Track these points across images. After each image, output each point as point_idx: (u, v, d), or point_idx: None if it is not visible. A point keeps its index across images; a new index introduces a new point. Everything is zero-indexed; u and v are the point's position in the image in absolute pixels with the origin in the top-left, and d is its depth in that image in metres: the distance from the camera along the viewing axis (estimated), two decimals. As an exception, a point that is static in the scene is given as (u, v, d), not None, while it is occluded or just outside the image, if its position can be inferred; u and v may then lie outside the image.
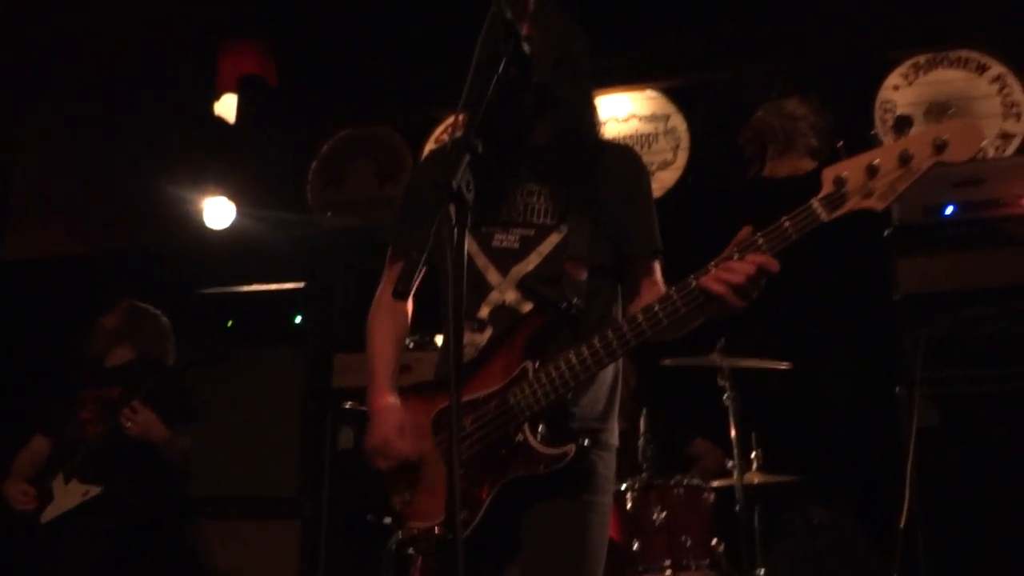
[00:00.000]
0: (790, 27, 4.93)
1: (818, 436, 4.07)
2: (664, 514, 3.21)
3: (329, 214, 5.68)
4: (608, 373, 1.88)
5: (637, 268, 1.92)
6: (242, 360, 4.23)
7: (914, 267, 3.53)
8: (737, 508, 3.36)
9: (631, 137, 5.23)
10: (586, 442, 1.72)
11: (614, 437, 1.92)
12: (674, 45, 5.13)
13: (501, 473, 1.74)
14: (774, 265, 1.63)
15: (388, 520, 3.31)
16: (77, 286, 5.43)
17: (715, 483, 3.45)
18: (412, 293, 1.42)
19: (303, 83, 5.92)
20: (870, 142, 1.48)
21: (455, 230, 1.41)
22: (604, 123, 5.25)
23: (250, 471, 4.43)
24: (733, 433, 3.45)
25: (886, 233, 3.63)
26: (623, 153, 2.03)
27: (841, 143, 1.65)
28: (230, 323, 4.30)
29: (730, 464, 3.43)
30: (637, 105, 5.29)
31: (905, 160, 1.50)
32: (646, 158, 5.16)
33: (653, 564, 3.18)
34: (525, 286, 1.82)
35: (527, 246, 1.83)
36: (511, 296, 1.82)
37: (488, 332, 1.82)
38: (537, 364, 1.74)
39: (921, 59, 4.78)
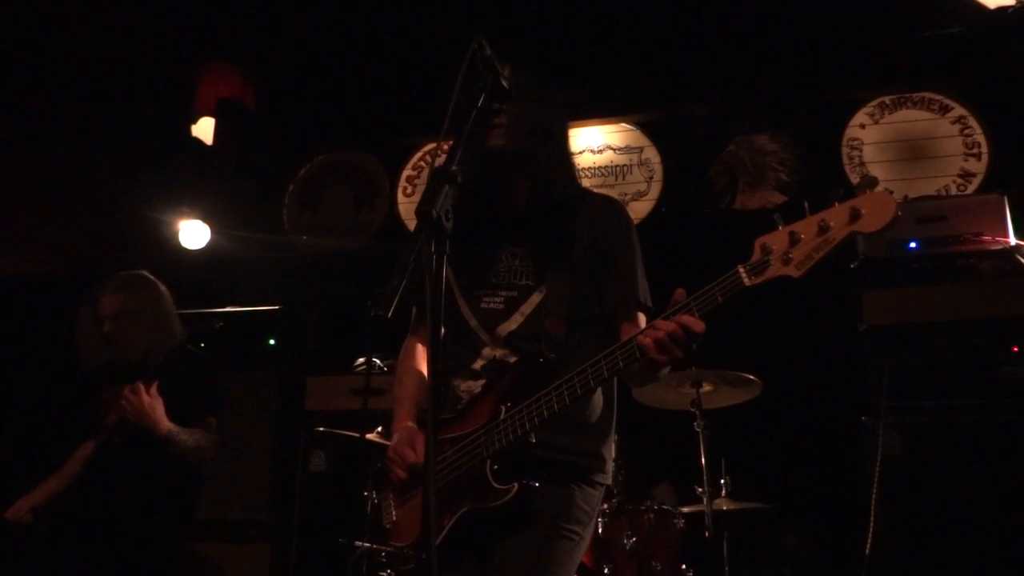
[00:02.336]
0: (762, 65, 5.07)
1: (786, 464, 4.14)
2: (634, 539, 3.24)
3: (305, 238, 5.69)
4: (595, 411, 2.00)
5: (619, 321, 2.01)
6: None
7: (879, 299, 3.62)
8: (706, 534, 3.40)
9: (605, 168, 5.33)
10: (536, 483, 1.82)
11: (600, 474, 2.01)
12: (649, 80, 5.25)
13: (460, 504, 1.88)
14: (699, 326, 1.70)
15: (360, 543, 3.31)
16: (50, 306, 5.38)
17: (685, 509, 3.49)
18: (391, 314, 1.47)
19: (281, 107, 5.96)
20: (834, 188, 1.52)
21: (434, 257, 1.46)
22: (580, 153, 5.41)
23: (221, 493, 4.40)
24: (703, 460, 3.50)
25: (852, 266, 3.72)
26: (604, 206, 2.09)
27: (806, 204, 1.67)
28: (202, 344, 4.28)
29: (700, 490, 3.47)
30: (612, 137, 5.39)
31: (824, 230, 1.58)
32: (620, 189, 5.28)
33: (623, 589, 3.20)
34: (511, 343, 1.97)
35: (511, 306, 1.98)
36: (500, 352, 1.98)
37: (482, 382, 1.99)
38: (508, 406, 1.88)
39: (887, 99, 4.94)
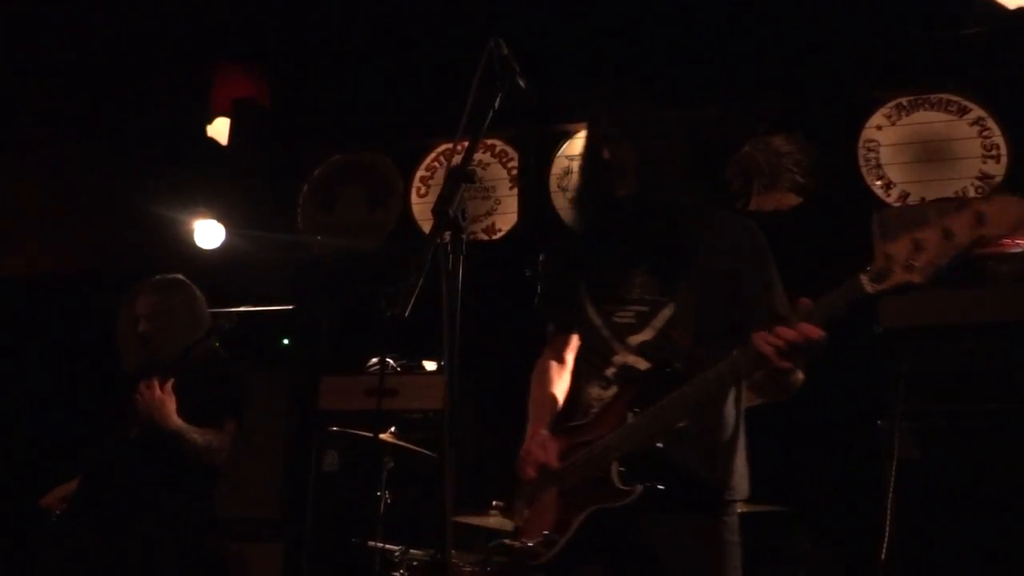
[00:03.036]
0: (777, 66, 5.05)
1: (801, 467, 4.11)
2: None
3: (319, 238, 5.71)
4: (725, 432, 2.07)
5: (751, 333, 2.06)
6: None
7: (896, 302, 3.59)
8: (720, 537, 3.37)
9: (620, 168, 5.31)
10: (661, 487, 1.88)
11: (731, 484, 2.06)
12: (662, 80, 5.22)
13: (586, 504, 1.97)
14: (815, 333, 1.73)
15: (374, 543, 3.31)
16: (67, 305, 5.43)
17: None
18: (407, 313, 1.47)
19: (296, 107, 5.98)
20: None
21: (451, 257, 1.46)
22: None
23: (234, 492, 4.40)
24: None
25: (868, 268, 3.69)
26: (735, 224, 2.17)
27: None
28: (217, 344, 4.31)
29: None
30: (626, 137, 5.37)
31: (948, 236, 1.57)
32: (634, 189, 5.27)
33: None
34: (643, 351, 2.06)
35: (643, 320, 2.07)
36: (631, 359, 2.07)
37: (613, 389, 2.07)
38: (636, 412, 1.97)
39: (904, 100, 4.90)
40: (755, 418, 3.81)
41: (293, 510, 4.53)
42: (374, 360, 4.38)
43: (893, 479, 3.29)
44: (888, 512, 3.25)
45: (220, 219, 5.53)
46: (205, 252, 5.51)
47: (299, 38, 5.75)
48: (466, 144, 1.63)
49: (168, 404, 3.11)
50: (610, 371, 2.09)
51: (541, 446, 2.09)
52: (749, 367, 1.80)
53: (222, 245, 5.52)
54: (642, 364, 2.04)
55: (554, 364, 2.31)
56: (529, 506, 2.12)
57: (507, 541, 2.14)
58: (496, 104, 1.67)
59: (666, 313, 2.05)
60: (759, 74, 5.08)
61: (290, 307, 4.97)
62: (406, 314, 1.45)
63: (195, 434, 3.16)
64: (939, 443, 3.37)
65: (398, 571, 3.37)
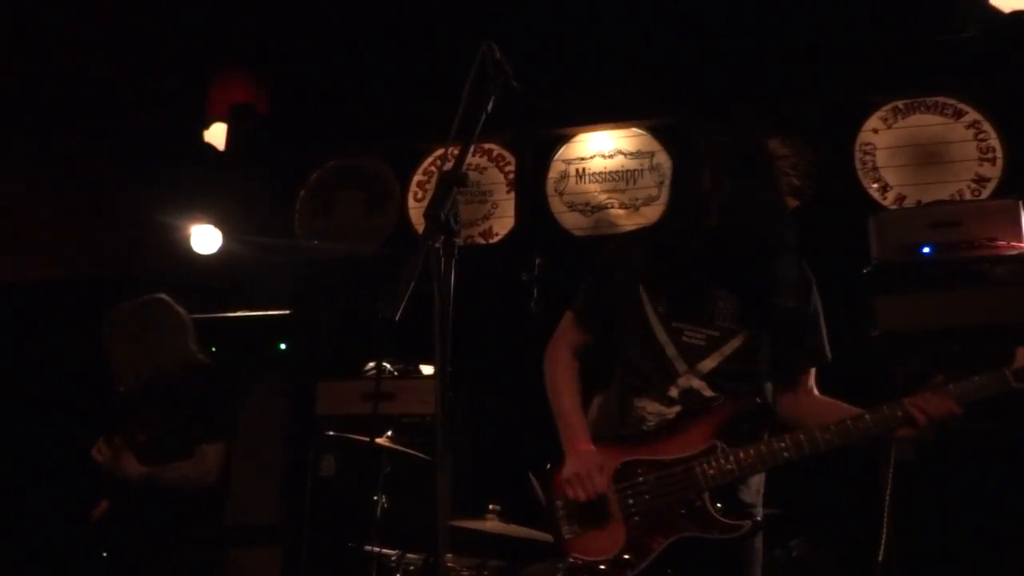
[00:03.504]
0: (773, 69, 5.05)
1: (798, 469, 4.10)
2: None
3: (316, 243, 5.71)
4: None
5: (800, 374, 2.22)
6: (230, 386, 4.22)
7: (893, 305, 3.60)
8: (717, 541, 3.37)
9: (616, 173, 5.32)
10: (759, 519, 2.01)
11: (760, 513, 2.19)
12: (660, 84, 5.24)
13: (676, 529, 1.97)
14: (957, 410, 1.94)
15: (371, 547, 3.31)
16: (63, 311, 5.42)
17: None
18: (399, 316, 1.47)
19: (293, 112, 5.99)
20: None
21: (442, 260, 1.47)
22: (591, 158, 5.40)
23: (232, 497, 4.40)
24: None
25: (865, 271, 3.70)
26: (800, 271, 2.23)
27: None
28: (214, 349, 4.30)
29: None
30: (623, 142, 5.38)
31: None
32: (631, 193, 5.28)
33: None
34: (710, 378, 2.08)
35: (712, 345, 2.09)
36: (697, 383, 2.08)
37: (676, 408, 2.08)
38: (725, 445, 1.99)
39: (900, 103, 4.91)
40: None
41: (291, 515, 4.52)
42: (371, 364, 4.38)
43: (890, 482, 3.28)
44: (886, 515, 3.25)
45: (217, 224, 5.53)
46: (202, 257, 5.51)
47: (296, 43, 5.77)
48: (459, 148, 1.63)
49: (123, 460, 3.06)
50: (674, 391, 2.09)
51: (599, 470, 2.03)
52: (883, 430, 1.95)
53: (219, 250, 5.52)
54: (707, 391, 2.07)
55: (575, 364, 2.28)
56: (583, 524, 2.06)
57: (572, 559, 2.06)
58: (489, 107, 1.67)
59: (736, 343, 2.09)
60: (755, 78, 5.09)
61: (287, 312, 4.96)
62: (397, 317, 1.45)
63: (166, 473, 3.12)
64: (936, 446, 3.36)
65: (395, 575, 3.36)
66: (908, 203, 4.72)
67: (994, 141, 4.70)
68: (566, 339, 2.28)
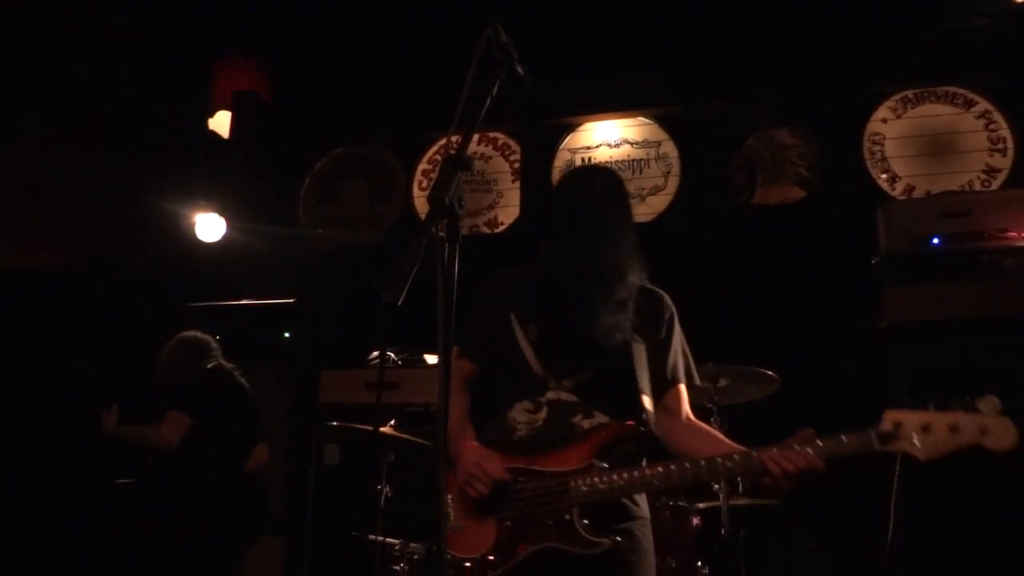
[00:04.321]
0: (782, 59, 5.01)
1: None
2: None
3: (320, 231, 5.69)
4: None
5: (672, 393, 2.28)
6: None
7: (900, 296, 3.56)
8: (723, 531, 3.36)
9: (623, 162, 5.28)
10: (619, 539, 2.04)
11: (646, 510, 2.24)
12: (667, 73, 5.20)
13: (541, 539, 2.04)
14: (819, 466, 1.92)
15: (375, 537, 3.30)
16: (67, 297, 5.42)
17: (701, 505, 3.45)
18: (401, 301, 1.46)
19: (297, 100, 5.96)
20: (947, 404, 1.91)
21: (446, 245, 1.44)
22: (597, 147, 5.37)
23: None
24: (719, 457, 3.45)
25: (873, 262, 3.66)
26: (657, 297, 2.34)
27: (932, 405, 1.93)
28: (218, 337, 4.29)
29: (716, 487, 3.43)
30: (629, 131, 5.35)
31: (954, 431, 1.85)
32: (637, 183, 5.24)
33: (637, 586, 3.17)
34: (576, 390, 2.18)
35: (578, 366, 2.19)
36: (564, 395, 2.19)
37: (543, 414, 2.18)
38: (604, 465, 2.06)
39: (910, 93, 4.86)
40: (757, 414, 3.81)
41: (294, 504, 4.52)
42: (375, 353, 4.36)
43: (896, 473, 3.26)
44: (891, 506, 3.23)
45: (221, 212, 5.51)
46: (206, 245, 5.49)
47: (300, 31, 5.73)
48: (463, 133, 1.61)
49: (105, 420, 4.03)
50: (541, 399, 2.19)
51: (490, 461, 2.11)
52: (745, 472, 1.98)
53: (223, 238, 5.51)
54: (573, 398, 2.17)
55: (465, 394, 2.36)
56: (465, 518, 2.13)
57: (449, 553, 2.12)
58: (494, 91, 1.64)
59: (599, 366, 2.19)
60: (764, 67, 5.05)
61: (291, 301, 4.95)
62: (399, 302, 1.43)
63: (128, 432, 4.05)
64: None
65: (399, 564, 3.35)
66: (917, 194, 4.68)
67: (1005, 131, 4.65)
68: (456, 376, 2.35)
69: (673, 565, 3.22)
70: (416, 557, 3.33)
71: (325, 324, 5.04)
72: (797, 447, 1.92)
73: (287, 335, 4.90)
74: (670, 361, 2.28)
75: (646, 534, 2.18)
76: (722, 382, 3.58)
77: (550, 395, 2.19)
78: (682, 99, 5.28)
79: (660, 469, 2.02)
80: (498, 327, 2.25)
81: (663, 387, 2.26)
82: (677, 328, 2.32)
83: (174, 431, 3.93)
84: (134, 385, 4.38)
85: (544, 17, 4.92)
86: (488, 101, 1.62)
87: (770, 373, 3.57)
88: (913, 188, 4.73)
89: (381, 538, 3.38)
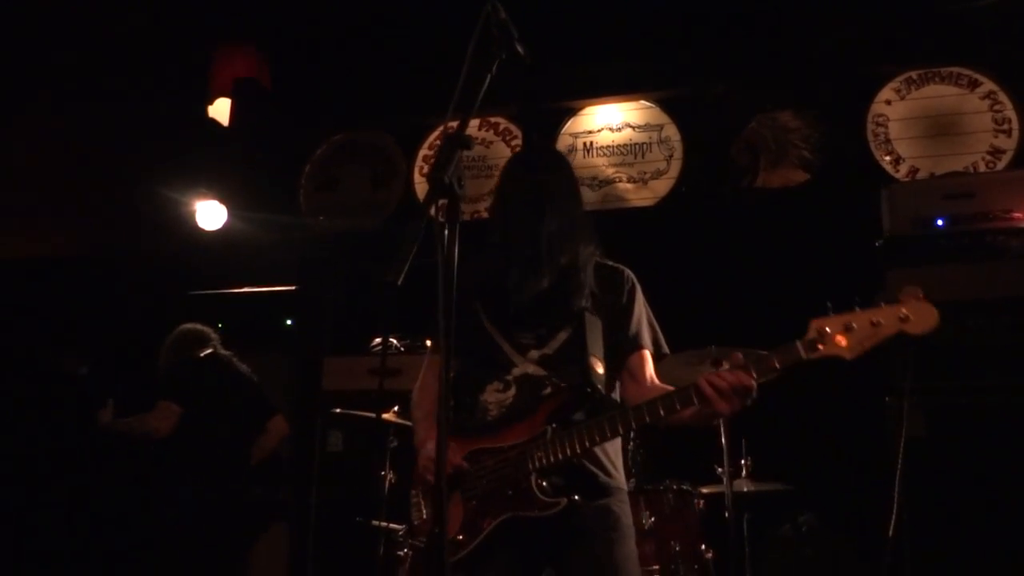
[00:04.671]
0: (785, 40, 4.97)
1: (808, 445, 4.08)
2: (653, 519, 3.21)
3: (321, 218, 5.67)
4: (618, 441, 2.27)
5: (635, 359, 2.32)
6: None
7: (904, 278, 3.52)
8: (726, 515, 3.36)
9: (624, 146, 5.25)
10: (576, 498, 2.08)
11: (621, 481, 2.29)
12: (669, 56, 5.16)
13: (503, 510, 2.09)
14: (750, 383, 1.97)
15: (379, 522, 3.30)
16: (68, 286, 5.41)
17: (705, 489, 3.45)
18: (400, 282, 1.45)
19: (297, 87, 5.92)
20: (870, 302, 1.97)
21: (446, 225, 1.43)
22: (599, 131, 5.34)
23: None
24: (723, 440, 3.45)
25: (878, 244, 3.64)
26: (617, 271, 2.41)
27: (830, 304, 1.99)
28: (220, 325, 4.29)
29: (720, 471, 3.42)
30: (631, 115, 5.31)
31: (875, 325, 1.92)
32: (639, 167, 5.21)
33: (642, 569, 3.16)
34: (541, 362, 2.24)
35: (541, 341, 2.26)
36: (532, 368, 2.24)
37: (512, 391, 2.23)
38: (555, 427, 2.11)
39: (914, 74, 4.82)
40: (763, 397, 3.79)
41: (298, 490, 4.52)
42: (377, 340, 4.35)
43: (901, 457, 3.25)
44: (896, 490, 3.22)
45: (222, 200, 5.50)
46: (207, 233, 5.48)
47: (299, 17, 5.69)
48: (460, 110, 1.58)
49: (101, 415, 4.10)
50: (509, 377, 2.24)
51: (449, 450, 2.11)
52: (683, 402, 2.02)
53: (224, 226, 5.49)
54: (540, 371, 2.22)
55: (436, 383, 2.37)
56: (426, 509, 2.21)
57: (416, 542, 2.22)
58: (493, 70, 1.62)
59: (562, 336, 2.25)
60: (766, 49, 5.00)
61: (292, 288, 4.94)
62: (399, 281, 1.42)
63: (118, 425, 4.09)
64: (948, 421, 3.33)
65: (402, 550, 3.36)
66: (921, 176, 4.65)
67: (1010, 112, 4.61)
68: (430, 372, 2.41)
69: (677, 549, 3.21)
70: (419, 542, 3.33)
71: (327, 311, 5.03)
72: (728, 370, 1.99)
73: (289, 323, 4.90)
74: (632, 326, 2.32)
75: (624, 510, 2.22)
76: (725, 365, 3.56)
77: (516, 371, 2.23)
78: (684, 82, 5.24)
79: (611, 418, 2.07)
80: (464, 316, 2.25)
81: (625, 351, 2.30)
82: (640, 298, 2.37)
83: (162, 420, 3.97)
84: (137, 375, 4.38)
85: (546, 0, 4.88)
86: (487, 80, 1.60)
87: (774, 356, 3.54)
88: (917, 170, 4.70)
89: (384, 524, 3.38)
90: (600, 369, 2.23)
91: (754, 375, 1.96)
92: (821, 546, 3.76)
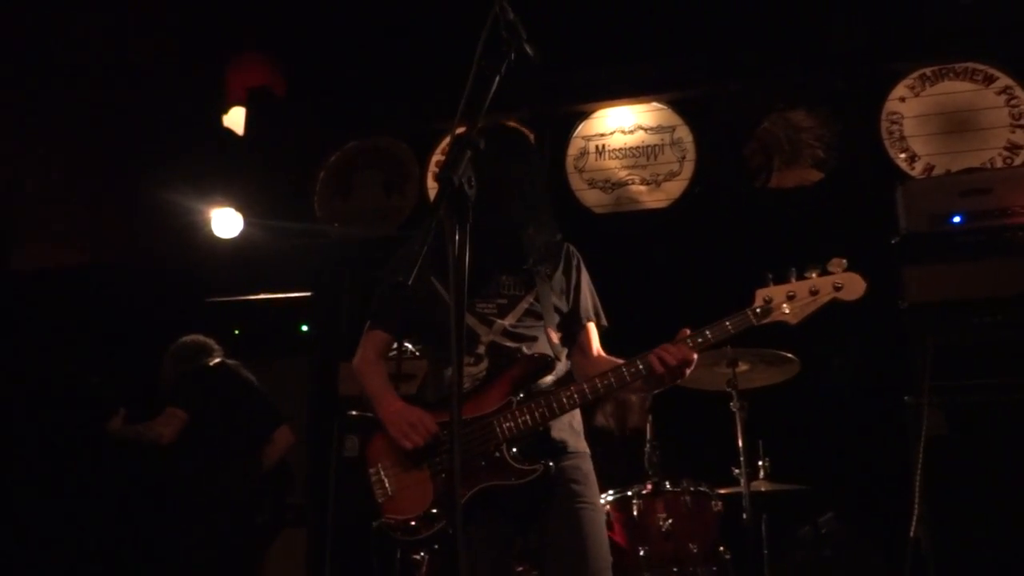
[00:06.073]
0: (797, 39, 4.95)
1: (826, 444, 4.05)
2: (670, 521, 3.19)
3: (336, 224, 5.70)
4: (581, 410, 2.37)
5: (584, 332, 2.47)
6: (248, 368, 4.25)
7: (922, 276, 3.51)
8: (744, 516, 3.34)
9: (636, 149, 5.25)
10: (551, 464, 2.17)
11: (586, 447, 2.40)
12: (680, 57, 5.15)
13: (476, 481, 2.13)
14: (692, 357, 2.19)
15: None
16: (87, 295, 5.46)
17: (722, 491, 3.43)
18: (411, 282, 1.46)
19: (311, 95, 5.96)
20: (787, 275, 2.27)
21: (457, 225, 1.43)
22: (611, 133, 5.33)
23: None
24: (740, 441, 3.43)
25: (894, 242, 3.62)
26: (562, 245, 2.52)
27: (771, 274, 2.24)
28: (237, 332, 4.32)
29: (737, 472, 3.40)
30: (643, 117, 5.30)
31: (813, 293, 2.19)
32: (652, 169, 5.20)
33: (659, 570, 3.16)
34: (507, 333, 2.32)
35: (503, 311, 2.35)
36: (498, 338, 2.31)
37: (484, 364, 2.29)
38: (520, 398, 2.20)
39: (928, 71, 4.78)
40: (781, 397, 3.78)
41: (315, 495, 4.54)
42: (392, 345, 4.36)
43: (921, 456, 3.22)
44: (916, 489, 3.19)
45: (237, 208, 5.53)
46: (223, 241, 5.52)
47: (312, 26, 5.73)
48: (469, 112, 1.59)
49: (112, 423, 4.09)
50: (480, 348, 2.29)
51: (420, 415, 2.21)
52: (633, 376, 2.18)
53: (240, 234, 5.52)
54: (507, 342, 2.30)
55: (381, 363, 2.49)
56: (395, 480, 2.22)
57: (386, 519, 2.22)
58: (503, 71, 1.62)
59: (524, 304, 2.35)
60: (778, 48, 4.98)
61: (308, 294, 4.96)
62: (410, 282, 1.42)
63: (126, 430, 4.08)
64: (967, 419, 3.30)
65: (419, 553, 3.36)
66: (937, 173, 4.61)
67: (1027, 107, 4.57)
68: (372, 348, 2.50)
69: (695, 550, 3.20)
70: (436, 546, 3.33)
71: (343, 316, 5.05)
72: (673, 344, 2.17)
73: (305, 328, 4.92)
74: (582, 301, 2.43)
75: (590, 468, 2.32)
76: (742, 366, 3.55)
77: (483, 343, 2.28)
78: (696, 83, 5.22)
79: (572, 390, 2.19)
80: (419, 293, 2.29)
81: (577, 326, 2.43)
82: (584, 271, 2.49)
83: (168, 425, 3.98)
84: (154, 383, 4.41)
85: (556, 2, 4.89)
86: (496, 81, 1.61)
87: (790, 356, 3.53)
88: (933, 167, 4.66)
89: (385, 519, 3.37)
90: (555, 339, 2.34)
91: (693, 347, 2.17)
92: (840, 546, 3.73)
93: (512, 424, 2.16)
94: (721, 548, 3.25)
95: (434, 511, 2.15)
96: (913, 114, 4.77)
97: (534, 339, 2.32)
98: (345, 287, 5.17)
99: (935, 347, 3.38)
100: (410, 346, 4.28)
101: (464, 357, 2.18)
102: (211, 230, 5.51)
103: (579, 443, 2.34)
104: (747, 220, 4.82)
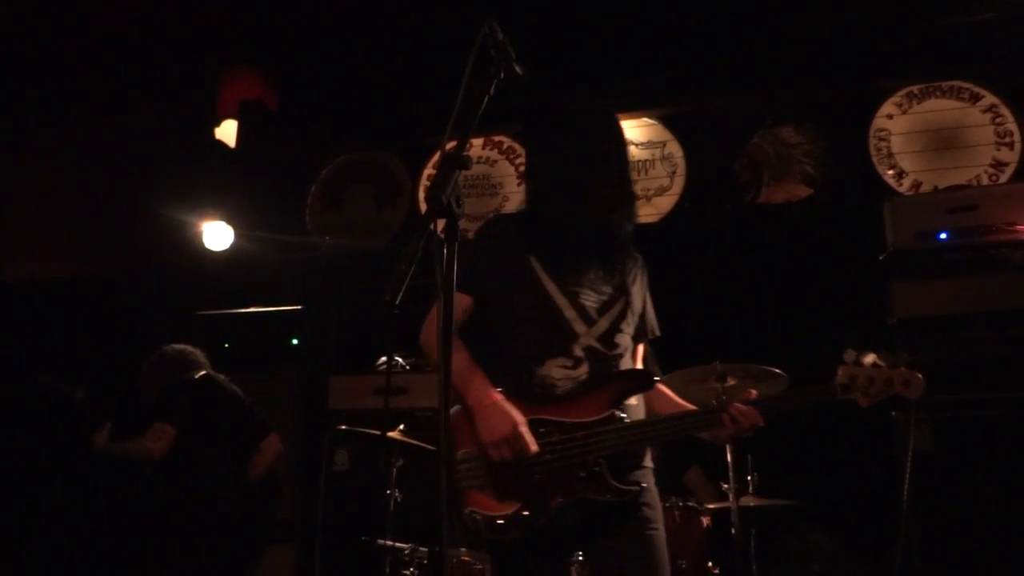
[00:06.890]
0: (786, 56, 4.99)
1: (814, 460, 4.06)
2: (659, 536, 3.19)
3: (327, 238, 5.70)
4: None
5: (643, 346, 2.41)
6: (238, 381, 4.24)
7: (909, 291, 3.54)
8: (733, 531, 3.34)
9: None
10: (644, 485, 2.15)
11: (650, 459, 2.31)
12: (671, 73, 5.19)
13: (574, 492, 2.06)
14: (761, 423, 2.19)
15: (385, 541, 3.30)
16: (77, 307, 5.45)
17: (711, 505, 3.44)
18: (398, 301, 1.46)
19: (303, 108, 5.98)
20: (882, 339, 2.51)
21: (445, 243, 1.44)
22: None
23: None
24: (729, 456, 3.44)
25: (881, 258, 3.65)
26: (638, 257, 2.45)
27: (853, 351, 2.29)
28: (227, 344, 4.31)
29: (726, 487, 3.41)
30: (634, 132, 5.34)
31: (887, 383, 2.27)
32: (643, 184, 5.23)
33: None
34: (604, 338, 2.23)
35: (603, 308, 2.25)
36: (594, 343, 2.21)
37: (585, 366, 2.18)
38: (623, 415, 2.13)
39: (915, 88, 4.84)
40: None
41: (304, 509, 4.52)
42: (382, 359, 4.36)
43: (908, 471, 3.24)
44: (904, 504, 3.21)
45: (229, 221, 5.54)
46: (214, 254, 5.52)
47: (305, 40, 5.75)
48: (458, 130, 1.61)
49: (96, 439, 4.02)
50: (578, 350, 2.18)
51: (526, 426, 2.05)
52: (708, 425, 2.18)
53: (231, 247, 5.53)
54: (604, 349, 2.21)
55: (458, 338, 2.20)
56: (481, 474, 2.07)
57: (471, 511, 2.06)
58: (491, 91, 1.64)
59: (619, 307, 2.27)
60: (768, 65, 5.03)
61: (298, 307, 4.96)
62: (397, 300, 1.43)
63: (113, 448, 4.00)
64: (954, 434, 3.32)
65: (408, 569, 3.35)
66: (924, 190, 4.65)
67: (1012, 125, 4.63)
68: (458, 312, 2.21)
69: (684, 565, 3.20)
70: (426, 561, 3.33)
71: (333, 330, 5.05)
72: (744, 403, 2.17)
73: (295, 342, 4.91)
74: (648, 314, 2.39)
75: (652, 483, 2.25)
76: (730, 381, 3.56)
77: (582, 344, 2.18)
78: (686, 99, 5.27)
79: (669, 422, 2.18)
80: (515, 272, 2.20)
81: (642, 337, 2.38)
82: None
83: (156, 441, 3.91)
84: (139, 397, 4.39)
85: (546, 19, 4.93)
86: (485, 101, 1.62)
87: (778, 371, 3.55)
88: (920, 184, 4.70)
89: (391, 542, 3.37)
90: (626, 340, 2.28)
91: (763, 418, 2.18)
92: (829, 561, 3.74)
93: (615, 440, 2.09)
94: (710, 563, 3.26)
95: (525, 513, 2.03)
96: (901, 131, 4.82)
97: (626, 348, 2.26)
98: (335, 300, 5.17)
99: (922, 362, 3.40)
100: (400, 360, 4.29)
101: (557, 355, 2.14)
102: (202, 243, 5.51)
103: (648, 456, 2.27)
104: (737, 235, 4.85)
